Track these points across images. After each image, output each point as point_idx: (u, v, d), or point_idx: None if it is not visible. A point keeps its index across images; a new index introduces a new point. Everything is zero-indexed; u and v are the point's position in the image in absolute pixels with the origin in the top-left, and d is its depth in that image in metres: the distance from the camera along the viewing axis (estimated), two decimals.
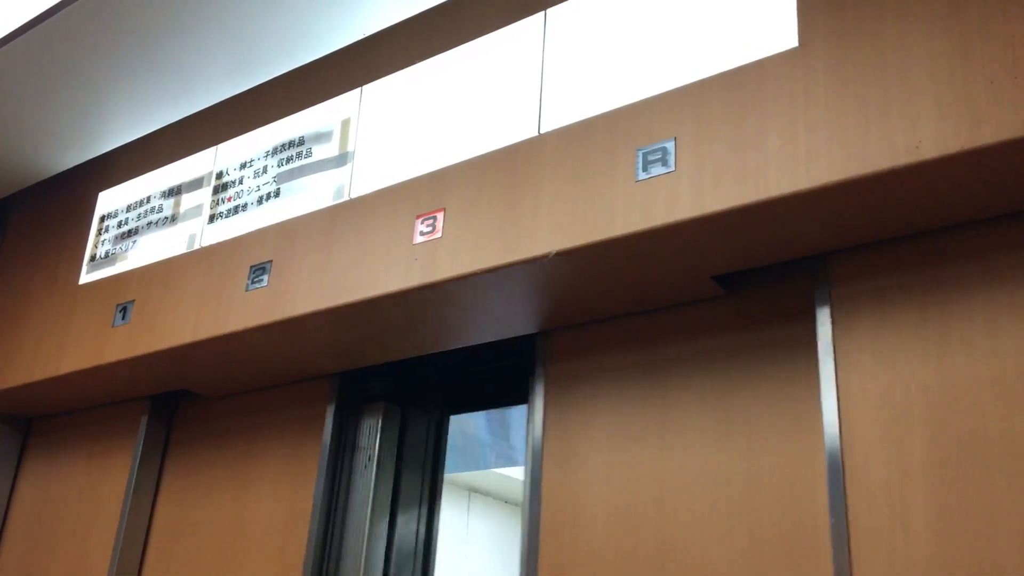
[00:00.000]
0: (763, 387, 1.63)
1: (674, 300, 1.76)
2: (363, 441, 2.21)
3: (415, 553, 2.20)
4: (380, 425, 2.20)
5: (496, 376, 2.27)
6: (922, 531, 1.35)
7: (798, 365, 1.59)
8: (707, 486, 1.61)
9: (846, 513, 1.41)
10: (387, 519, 2.16)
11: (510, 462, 3.61)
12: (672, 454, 1.68)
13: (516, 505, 6.05)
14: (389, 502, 2.18)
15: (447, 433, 2.35)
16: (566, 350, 1.90)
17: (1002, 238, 1.43)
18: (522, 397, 2.28)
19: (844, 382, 1.49)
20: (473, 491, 5.85)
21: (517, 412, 2.78)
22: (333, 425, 2.20)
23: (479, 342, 2.03)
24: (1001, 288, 1.41)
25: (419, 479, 2.27)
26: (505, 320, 1.91)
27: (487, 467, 3.92)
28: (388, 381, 2.30)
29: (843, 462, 1.44)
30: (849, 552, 1.39)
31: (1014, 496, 1.30)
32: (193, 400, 2.56)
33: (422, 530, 2.23)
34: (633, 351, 1.81)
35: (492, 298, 1.82)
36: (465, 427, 3.28)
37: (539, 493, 1.79)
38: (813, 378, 1.55)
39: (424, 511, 2.25)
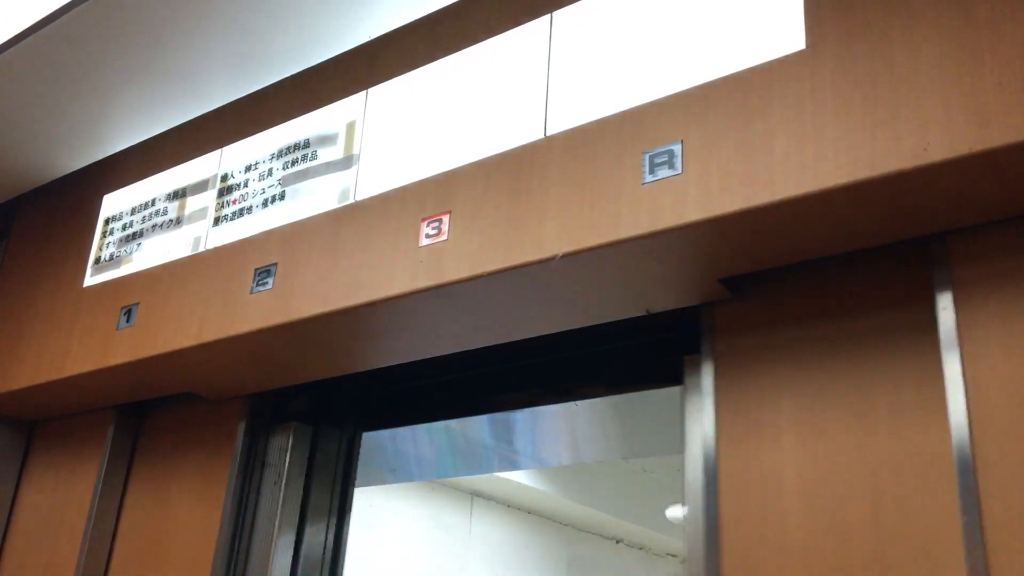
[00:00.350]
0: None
1: (680, 302, 1.76)
2: (272, 459, 2.39)
3: (322, 562, 2.38)
4: (291, 443, 2.38)
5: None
6: None
7: (916, 353, 1.49)
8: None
9: (979, 512, 1.31)
10: (294, 532, 2.33)
11: (513, 466, 3.60)
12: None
13: (519, 509, 6.05)
14: (297, 515, 2.36)
15: (359, 449, 2.52)
16: (735, 324, 1.72)
17: None
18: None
19: (971, 370, 1.38)
20: (476, 495, 5.85)
21: (521, 416, 2.78)
22: (243, 443, 2.37)
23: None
24: None
25: (328, 493, 2.44)
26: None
27: (490, 471, 3.93)
28: (301, 400, 2.46)
29: (973, 455, 1.34)
30: (985, 551, 1.30)
31: None
32: (156, 410, 2.62)
33: (330, 541, 2.40)
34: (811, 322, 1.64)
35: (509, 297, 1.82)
36: (468, 431, 3.27)
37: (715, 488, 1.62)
38: (935, 367, 1.44)
39: (333, 523, 2.42)
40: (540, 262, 1.67)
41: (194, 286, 2.24)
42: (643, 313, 1.83)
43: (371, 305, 1.88)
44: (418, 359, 2.15)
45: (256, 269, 2.12)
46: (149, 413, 2.66)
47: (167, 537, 2.42)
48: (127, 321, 2.36)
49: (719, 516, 1.58)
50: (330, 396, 2.47)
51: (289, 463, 2.35)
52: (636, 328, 1.95)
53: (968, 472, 1.35)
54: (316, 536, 2.38)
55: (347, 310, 1.91)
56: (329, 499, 2.43)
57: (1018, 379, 1.35)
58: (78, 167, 2.82)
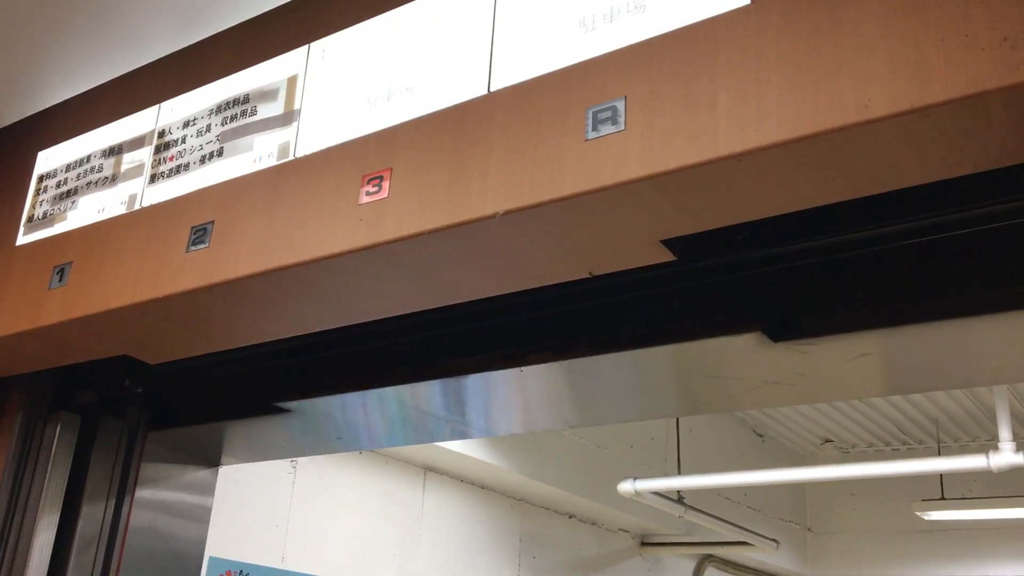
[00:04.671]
0: None
1: (622, 264, 1.74)
2: (47, 444, 2.59)
3: (99, 540, 2.58)
4: (59, 432, 2.59)
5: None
6: None
7: None
8: None
9: None
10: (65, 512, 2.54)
11: (464, 436, 3.58)
12: None
13: (472, 484, 6.04)
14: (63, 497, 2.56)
15: (142, 441, 2.74)
16: None
17: None
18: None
19: None
20: (429, 469, 5.82)
21: (472, 384, 2.75)
22: (20, 428, 2.52)
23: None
24: None
25: (108, 477, 2.65)
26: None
27: (443, 440, 3.90)
28: (83, 388, 2.61)
29: None
30: None
31: None
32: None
33: (108, 520, 2.61)
34: None
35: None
36: (419, 402, 3.24)
37: None
38: None
39: (111, 504, 2.64)
40: (482, 219, 1.63)
41: (129, 245, 2.17)
42: (586, 275, 1.80)
43: (309, 264, 1.83)
44: (361, 321, 2.11)
45: (192, 227, 2.06)
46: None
47: None
48: (60, 281, 2.28)
49: None
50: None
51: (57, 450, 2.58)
52: (580, 291, 1.93)
53: None
54: (94, 516, 2.58)
55: (284, 268, 1.86)
56: (108, 483, 2.66)
57: None
58: (10, 122, 2.72)
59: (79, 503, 2.58)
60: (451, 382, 2.49)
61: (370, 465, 5.43)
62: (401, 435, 3.21)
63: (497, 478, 5.86)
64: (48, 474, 2.55)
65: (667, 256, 1.70)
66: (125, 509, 2.66)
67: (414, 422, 3.09)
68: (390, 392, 2.79)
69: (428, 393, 2.82)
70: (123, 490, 2.68)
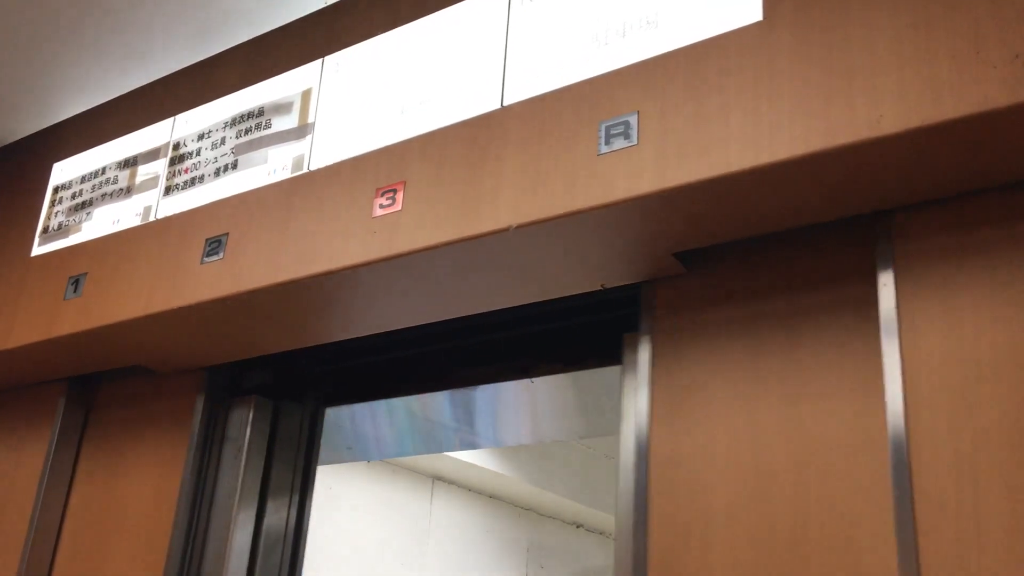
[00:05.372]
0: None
1: (634, 277, 1.75)
2: (233, 432, 2.31)
3: (284, 539, 2.31)
4: (251, 417, 2.30)
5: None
6: (996, 500, 1.25)
7: (855, 329, 1.48)
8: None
9: (911, 486, 1.31)
10: (254, 508, 2.28)
11: (472, 446, 3.60)
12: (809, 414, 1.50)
13: (480, 493, 6.04)
14: (258, 491, 2.30)
15: (322, 425, 2.46)
16: (674, 302, 1.71)
17: None
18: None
19: (908, 347, 1.37)
20: (437, 479, 5.83)
21: (480, 394, 2.75)
22: (202, 416, 2.30)
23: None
24: None
25: (291, 469, 2.38)
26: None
27: (451, 450, 3.91)
28: (263, 373, 2.41)
29: (908, 431, 1.34)
30: (915, 525, 1.29)
31: None
32: (110, 383, 2.55)
33: (292, 517, 2.33)
34: (746, 302, 1.63)
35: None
36: (428, 412, 3.25)
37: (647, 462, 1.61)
38: (873, 343, 1.44)
39: (295, 500, 2.36)
40: (495, 233, 1.64)
41: (144, 256, 2.19)
42: (599, 287, 1.81)
43: (322, 276, 1.84)
44: (371, 333, 2.12)
45: (207, 239, 2.08)
46: (101, 386, 2.59)
47: (121, 513, 2.35)
48: (74, 291, 2.30)
49: (648, 493, 1.57)
50: (290, 370, 2.43)
51: (249, 438, 2.29)
52: (589, 304, 1.94)
53: (902, 449, 1.35)
54: (278, 512, 2.33)
55: (298, 281, 1.88)
56: (291, 475, 2.37)
57: (954, 357, 1.36)
58: (26, 134, 2.74)
59: (266, 495, 2.32)
60: (460, 393, 2.50)
61: (378, 474, 5.44)
62: (410, 445, 3.23)
63: (505, 487, 5.86)
64: (242, 465, 2.27)
65: (678, 269, 1.71)
66: (308, 505, 2.40)
67: (423, 432, 3.10)
68: (399, 403, 2.82)
69: (438, 403, 2.84)
70: (306, 481, 2.40)
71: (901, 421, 1.36)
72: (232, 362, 2.35)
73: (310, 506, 2.40)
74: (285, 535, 2.32)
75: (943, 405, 1.34)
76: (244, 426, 2.31)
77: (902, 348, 1.39)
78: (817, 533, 1.42)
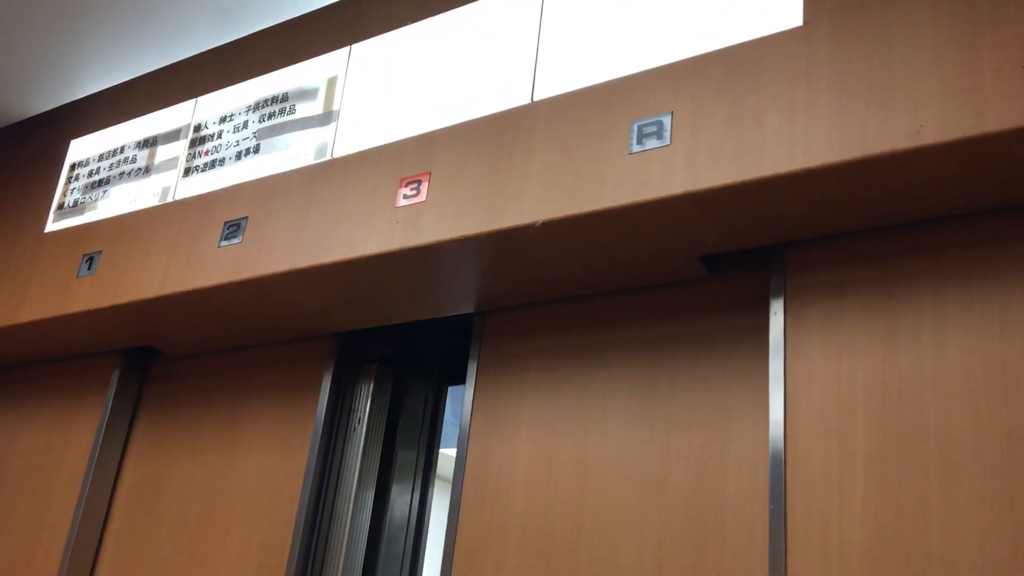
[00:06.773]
0: (712, 375, 1.64)
1: (657, 280, 1.74)
2: (355, 404, 2.14)
3: (407, 526, 2.15)
4: (372, 389, 2.14)
5: None
6: (858, 520, 1.36)
7: (748, 353, 1.60)
8: (629, 471, 1.65)
9: (785, 499, 1.42)
10: (374, 489, 2.11)
11: None
12: (596, 439, 1.72)
13: None
14: (377, 472, 2.12)
15: (444, 404, 2.28)
16: (501, 331, 1.93)
17: (953, 237, 1.44)
18: None
19: (792, 372, 1.49)
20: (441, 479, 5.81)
21: None
22: (331, 387, 2.12)
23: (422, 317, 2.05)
24: (949, 286, 1.42)
25: (414, 450, 2.21)
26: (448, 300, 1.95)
27: None
28: (387, 344, 2.23)
29: (785, 450, 1.45)
30: (785, 537, 1.40)
31: (947, 490, 1.32)
32: (167, 356, 2.48)
33: (415, 502, 2.18)
34: (567, 335, 1.84)
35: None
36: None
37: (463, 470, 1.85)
38: (763, 367, 1.56)
39: (419, 483, 2.20)
40: (519, 228, 1.63)
41: (160, 237, 2.17)
42: (620, 289, 1.80)
43: (342, 264, 1.83)
44: (392, 324, 2.11)
45: (226, 222, 2.06)
46: (153, 359, 2.49)
47: (235, 489, 2.18)
48: (88, 269, 2.29)
49: (460, 502, 1.80)
50: (413, 344, 2.28)
51: (371, 411, 2.12)
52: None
53: (780, 461, 1.44)
54: (401, 496, 2.16)
55: (316, 268, 1.86)
56: (415, 456, 2.20)
57: (832, 381, 1.45)
58: (45, 109, 2.73)
59: (390, 474, 2.15)
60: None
61: None
62: None
63: None
64: (363, 441, 2.09)
65: (701, 273, 1.69)
66: (431, 488, 2.24)
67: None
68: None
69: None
70: (429, 464, 2.24)
71: (781, 440, 1.45)
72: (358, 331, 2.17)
73: (433, 490, 2.22)
74: (408, 520, 2.16)
75: (819, 422, 1.44)
76: (366, 398, 2.13)
77: (786, 373, 1.50)
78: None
